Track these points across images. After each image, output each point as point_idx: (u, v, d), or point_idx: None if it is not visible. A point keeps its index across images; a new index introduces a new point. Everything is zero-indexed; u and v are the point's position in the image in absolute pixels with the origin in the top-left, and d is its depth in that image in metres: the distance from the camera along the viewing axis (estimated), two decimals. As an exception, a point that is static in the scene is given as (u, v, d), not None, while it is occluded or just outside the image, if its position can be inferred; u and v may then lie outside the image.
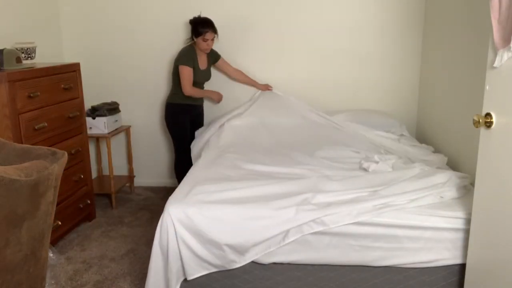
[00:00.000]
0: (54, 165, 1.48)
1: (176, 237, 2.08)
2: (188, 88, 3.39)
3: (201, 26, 3.37)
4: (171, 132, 3.56)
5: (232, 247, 2.08)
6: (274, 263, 2.12)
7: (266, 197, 2.19)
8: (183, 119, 3.52)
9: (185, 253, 2.09)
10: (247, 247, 2.08)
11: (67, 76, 3.06)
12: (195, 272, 2.12)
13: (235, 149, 3.04)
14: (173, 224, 2.08)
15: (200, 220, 2.07)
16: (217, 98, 3.70)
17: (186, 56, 3.40)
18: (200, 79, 3.53)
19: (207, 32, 3.37)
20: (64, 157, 1.55)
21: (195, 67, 3.43)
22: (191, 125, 3.62)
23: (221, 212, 2.09)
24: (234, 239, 2.07)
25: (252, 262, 2.11)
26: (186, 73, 3.36)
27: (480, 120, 1.72)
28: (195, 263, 2.11)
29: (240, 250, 2.09)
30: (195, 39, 3.40)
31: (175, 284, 2.14)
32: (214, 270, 2.13)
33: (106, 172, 4.20)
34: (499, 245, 1.68)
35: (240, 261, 2.09)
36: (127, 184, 4.16)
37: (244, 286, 2.16)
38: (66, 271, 2.73)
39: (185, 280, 2.17)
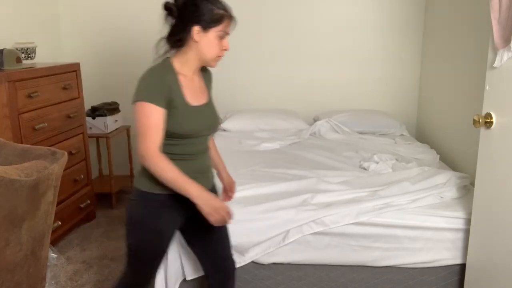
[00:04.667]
0: (54, 165, 1.48)
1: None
2: (151, 153, 1.49)
3: (216, 6, 1.54)
4: (131, 241, 1.66)
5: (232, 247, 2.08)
6: (274, 263, 2.12)
7: (266, 197, 2.19)
8: (164, 223, 1.65)
9: (185, 253, 2.09)
10: (247, 247, 2.08)
11: (67, 76, 3.06)
12: (194, 272, 2.12)
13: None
14: None
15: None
16: (215, 216, 1.53)
17: (151, 85, 1.52)
18: (196, 126, 1.61)
19: (229, 18, 1.59)
20: (64, 157, 1.55)
21: (174, 102, 1.54)
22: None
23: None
24: (233, 239, 2.07)
25: (252, 262, 2.11)
26: (150, 118, 1.50)
27: (480, 120, 1.72)
28: (194, 263, 2.11)
29: (239, 250, 2.09)
30: (193, 38, 1.54)
31: (174, 284, 2.14)
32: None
33: (106, 172, 4.20)
34: (499, 245, 1.68)
35: (240, 261, 2.09)
36: (127, 184, 4.15)
37: (244, 286, 2.16)
38: (66, 271, 2.73)
39: (185, 280, 2.17)
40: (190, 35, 1.55)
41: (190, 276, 2.12)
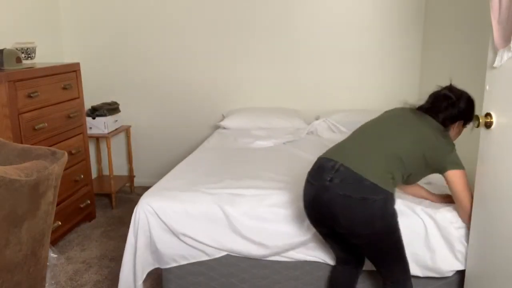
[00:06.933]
0: (54, 165, 1.48)
1: (149, 229, 2.12)
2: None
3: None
4: (397, 235, 1.81)
5: (200, 242, 2.11)
6: (270, 261, 2.13)
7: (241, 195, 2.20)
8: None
9: (158, 244, 2.13)
10: (218, 241, 2.11)
11: (67, 76, 3.06)
12: (172, 261, 2.16)
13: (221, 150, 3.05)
14: (146, 216, 2.13)
15: (171, 214, 2.11)
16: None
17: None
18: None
19: None
20: (64, 157, 1.55)
21: None
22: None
23: (191, 207, 2.11)
24: (203, 234, 2.10)
25: (250, 260, 2.12)
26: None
27: (480, 120, 1.72)
28: (171, 252, 2.14)
29: (211, 244, 2.11)
30: (458, 126, 1.95)
31: (142, 273, 2.16)
32: (184, 262, 2.15)
33: (106, 172, 4.20)
34: (499, 245, 1.68)
35: (214, 254, 2.12)
36: (127, 184, 4.16)
37: (241, 285, 2.17)
38: (66, 271, 2.73)
39: (184, 280, 2.18)
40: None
41: (165, 265, 2.16)
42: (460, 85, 2.87)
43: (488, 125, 1.71)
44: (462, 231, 1.97)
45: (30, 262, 1.47)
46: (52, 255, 2.01)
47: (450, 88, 1.97)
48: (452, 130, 1.94)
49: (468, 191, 1.88)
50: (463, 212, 1.93)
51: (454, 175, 1.83)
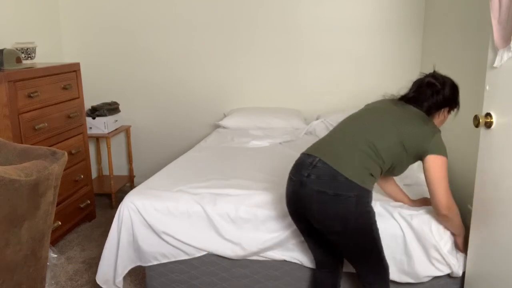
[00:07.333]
0: (54, 165, 1.48)
1: (132, 227, 2.14)
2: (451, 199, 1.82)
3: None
4: (374, 236, 1.78)
5: (181, 241, 2.13)
6: (250, 260, 2.14)
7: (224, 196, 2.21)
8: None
9: (140, 242, 2.15)
10: (198, 240, 2.12)
11: (67, 76, 3.06)
12: (147, 261, 2.18)
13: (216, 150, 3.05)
14: (129, 214, 2.14)
15: (153, 212, 2.13)
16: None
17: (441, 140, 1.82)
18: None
19: None
20: (64, 157, 1.55)
21: None
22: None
23: (173, 206, 2.13)
24: (184, 233, 2.12)
25: (230, 259, 2.14)
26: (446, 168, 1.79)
27: (480, 120, 1.72)
28: (148, 253, 2.16)
29: (191, 244, 2.13)
30: (443, 112, 1.90)
31: (123, 270, 2.18)
32: (165, 260, 2.18)
33: (106, 172, 4.20)
34: (499, 245, 1.68)
35: (194, 253, 2.14)
36: (127, 184, 4.16)
37: (222, 284, 2.19)
38: (66, 271, 2.73)
39: (166, 277, 2.21)
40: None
41: (147, 262, 2.18)
42: (460, 85, 2.88)
43: (488, 125, 1.71)
44: (437, 238, 1.93)
45: (30, 262, 1.47)
46: (52, 255, 2.02)
47: (434, 75, 1.92)
48: (437, 118, 1.89)
49: (444, 181, 1.76)
50: (434, 202, 1.80)
51: (433, 160, 1.74)
